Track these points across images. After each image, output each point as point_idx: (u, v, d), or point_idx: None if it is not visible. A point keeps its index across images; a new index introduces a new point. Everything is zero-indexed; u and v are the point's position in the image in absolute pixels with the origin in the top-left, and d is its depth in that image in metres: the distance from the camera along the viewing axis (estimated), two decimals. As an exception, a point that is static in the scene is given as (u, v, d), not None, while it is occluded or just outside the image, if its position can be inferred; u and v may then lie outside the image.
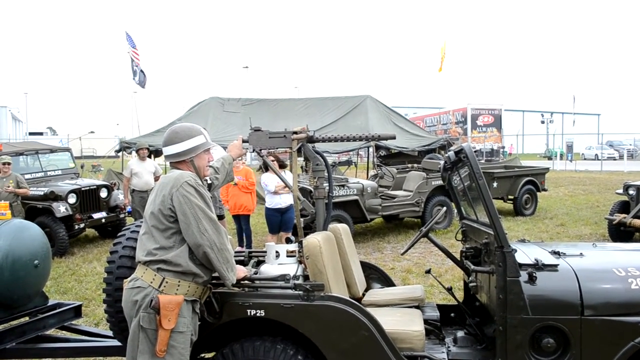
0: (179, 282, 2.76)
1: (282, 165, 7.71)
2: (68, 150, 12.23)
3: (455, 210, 4.67)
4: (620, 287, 2.90)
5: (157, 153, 19.00)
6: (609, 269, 3.03)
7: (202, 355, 3.52)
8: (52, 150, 11.90)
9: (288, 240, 3.58)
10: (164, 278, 2.74)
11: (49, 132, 65.61)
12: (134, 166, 9.70)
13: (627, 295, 2.87)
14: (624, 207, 9.51)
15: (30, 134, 53.35)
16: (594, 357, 2.80)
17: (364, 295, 4.03)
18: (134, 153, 9.95)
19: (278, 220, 8.10)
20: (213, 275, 2.93)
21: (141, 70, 20.85)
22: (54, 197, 9.48)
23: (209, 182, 3.31)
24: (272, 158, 8.41)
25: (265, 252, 3.69)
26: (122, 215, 10.67)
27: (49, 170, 11.08)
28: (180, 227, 2.75)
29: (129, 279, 2.85)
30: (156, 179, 10.01)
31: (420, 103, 61.68)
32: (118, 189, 11.58)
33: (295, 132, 4.01)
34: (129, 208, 10.39)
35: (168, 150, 3.00)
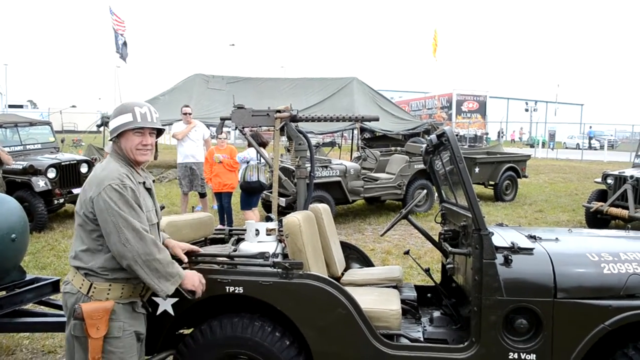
0: (110, 285, 2.59)
1: (263, 144, 7.71)
2: (48, 124, 12.03)
3: (436, 194, 4.71)
4: (593, 271, 2.96)
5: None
6: (582, 253, 3.08)
7: (181, 331, 3.54)
8: (32, 124, 11.68)
9: (267, 219, 3.59)
10: (91, 283, 2.57)
11: (29, 105, 64.53)
12: None
13: (599, 279, 2.93)
14: (601, 196, 9.68)
15: (10, 106, 52.35)
16: (565, 339, 2.86)
17: (343, 274, 4.07)
18: None
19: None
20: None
21: (124, 43, 20.54)
22: (33, 171, 9.34)
23: (149, 178, 2.90)
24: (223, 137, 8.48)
25: (244, 230, 3.69)
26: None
27: (29, 144, 10.88)
28: (103, 234, 2.54)
29: (64, 279, 2.70)
30: None
31: (407, 87, 61.75)
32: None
33: (279, 111, 4.01)
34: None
35: None
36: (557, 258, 3.00)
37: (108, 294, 2.58)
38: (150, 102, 18.05)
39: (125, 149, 2.68)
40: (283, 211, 7.47)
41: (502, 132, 45.57)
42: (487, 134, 39.95)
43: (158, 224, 2.85)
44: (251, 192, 8.26)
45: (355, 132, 17.57)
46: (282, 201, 8.81)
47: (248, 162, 7.97)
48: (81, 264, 2.59)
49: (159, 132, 2.81)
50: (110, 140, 2.70)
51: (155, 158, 9.04)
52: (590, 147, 37.25)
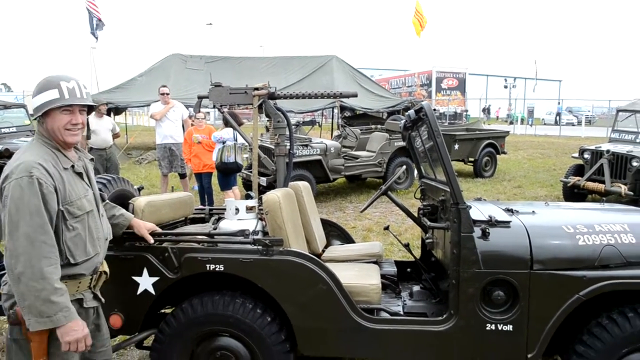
0: None
1: (238, 125, 7.67)
2: (23, 106, 11.81)
3: (416, 171, 4.73)
4: (568, 243, 3.01)
5: (117, 111, 18.61)
6: (558, 225, 3.13)
7: (162, 310, 3.54)
8: (7, 107, 11.47)
9: (247, 197, 3.58)
10: None
11: (3, 89, 63.20)
12: (91, 123, 9.40)
13: (574, 250, 2.98)
14: (579, 171, 9.82)
15: (-17, 89, 51.18)
16: (541, 309, 2.92)
17: (323, 251, 4.09)
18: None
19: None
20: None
21: (99, 20, 20.14)
22: (8, 154, 9.18)
23: (85, 159, 2.59)
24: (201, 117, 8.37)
25: (224, 209, 3.68)
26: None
27: (3, 128, 10.71)
28: None
29: (3, 279, 2.42)
30: (114, 136, 9.78)
31: (386, 65, 61.60)
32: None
33: (257, 89, 3.98)
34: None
35: None
36: (533, 230, 3.05)
37: None
38: (127, 84, 18.00)
39: (52, 129, 2.36)
40: (264, 190, 7.46)
41: (488, 110, 45.84)
42: (466, 111, 40.16)
43: (99, 211, 2.56)
44: (228, 173, 8.22)
45: (336, 110, 17.54)
46: (263, 181, 8.79)
47: (224, 143, 7.89)
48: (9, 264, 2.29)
49: (90, 109, 2.51)
50: (35, 119, 2.43)
51: (89, 137, 8.87)
52: (556, 123, 37.64)
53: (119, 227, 2.92)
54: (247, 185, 10.17)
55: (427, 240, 3.73)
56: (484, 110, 45.28)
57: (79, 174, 2.47)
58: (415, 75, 46.12)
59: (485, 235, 2.99)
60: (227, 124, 7.60)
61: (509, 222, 3.10)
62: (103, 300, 2.61)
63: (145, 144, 19.48)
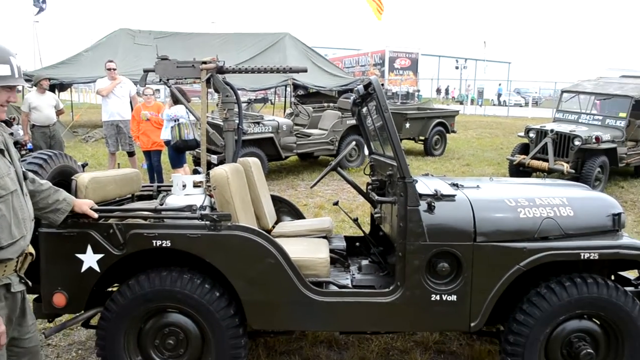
0: None
1: (187, 100, 7.55)
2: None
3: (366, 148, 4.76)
4: (510, 216, 3.11)
5: (61, 87, 17.96)
6: (501, 199, 3.22)
7: (110, 289, 3.47)
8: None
9: (195, 172, 3.53)
10: None
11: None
12: (33, 100, 9.03)
13: (515, 223, 3.08)
14: (524, 149, 10.11)
15: None
16: (484, 280, 3.02)
17: (273, 227, 4.09)
18: (32, 86, 9.21)
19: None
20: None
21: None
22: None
23: (4, 134, 2.34)
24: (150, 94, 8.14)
25: (171, 185, 3.62)
26: (23, 152, 10.03)
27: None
28: None
29: None
30: (58, 113, 9.44)
31: (340, 44, 61.46)
32: (18, 124, 10.83)
33: (205, 62, 3.90)
34: (29, 145, 9.77)
35: None
36: (477, 204, 3.13)
37: None
38: (73, 59, 17.40)
39: None
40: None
41: (447, 90, 46.54)
42: (418, 91, 40.67)
43: (22, 190, 2.38)
44: (184, 150, 8.09)
45: (289, 89, 17.45)
46: (214, 159, 8.68)
47: (177, 120, 7.70)
48: None
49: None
50: None
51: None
52: (500, 104, 38.80)
53: (60, 213, 2.71)
54: (198, 162, 10.02)
55: (376, 215, 3.78)
56: (438, 90, 45.98)
57: (0, 151, 2.28)
58: (368, 54, 46.28)
59: (430, 208, 3.04)
60: (176, 101, 7.44)
61: (454, 195, 3.17)
62: (30, 283, 2.44)
63: (92, 122, 18.89)
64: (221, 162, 8.49)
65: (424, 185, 3.30)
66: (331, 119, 11.03)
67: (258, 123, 9.66)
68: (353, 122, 10.72)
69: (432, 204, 3.05)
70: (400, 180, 3.06)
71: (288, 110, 13.35)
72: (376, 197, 3.46)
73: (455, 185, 3.44)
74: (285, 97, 19.48)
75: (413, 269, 3.01)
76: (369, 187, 3.95)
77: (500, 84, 42.79)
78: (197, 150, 9.37)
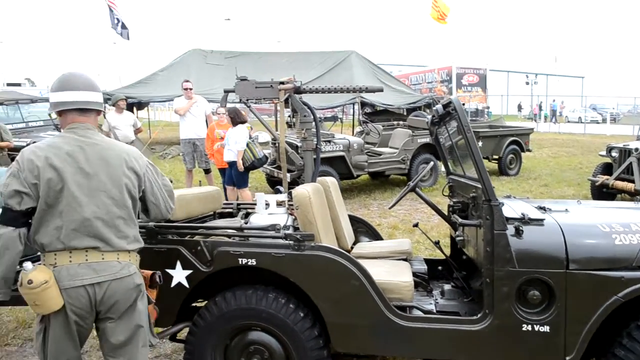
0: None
1: (242, 122, 7.71)
2: (49, 100, 11.95)
3: (441, 169, 4.68)
4: (605, 242, 2.94)
5: (139, 105, 18.77)
6: (593, 224, 3.06)
7: (194, 304, 3.55)
8: (33, 101, 11.62)
9: (277, 191, 3.58)
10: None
11: (27, 83, 63.88)
12: (112, 119, 9.49)
13: (611, 250, 2.91)
14: (606, 169, 9.62)
15: (8, 84, 51.90)
16: (578, 310, 2.85)
17: (352, 248, 4.07)
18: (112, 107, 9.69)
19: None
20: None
21: (122, 23, 20.31)
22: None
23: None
24: (223, 112, 8.29)
25: (253, 204, 3.69)
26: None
27: (30, 121, 10.86)
28: None
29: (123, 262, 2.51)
30: (137, 131, 9.85)
31: (405, 61, 61.19)
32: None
33: (282, 83, 3.97)
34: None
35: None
36: (568, 229, 2.99)
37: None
38: (149, 79, 18.16)
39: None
40: (288, 186, 7.44)
41: (522, 106, 45.46)
42: (488, 107, 39.78)
43: None
44: (255, 169, 8.24)
45: (356, 106, 17.48)
46: (287, 176, 8.77)
47: (251, 139, 7.84)
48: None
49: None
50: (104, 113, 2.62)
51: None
52: (552, 120, 36.96)
53: None
54: (271, 181, 10.17)
55: (458, 238, 3.68)
56: (519, 107, 44.73)
57: None
58: (435, 71, 45.75)
59: (518, 233, 2.93)
60: (234, 122, 7.63)
61: (542, 219, 3.04)
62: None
63: (168, 139, 19.61)
64: (294, 180, 8.58)
65: (510, 208, 3.20)
66: (402, 138, 10.93)
67: (329, 142, 9.69)
68: (424, 140, 10.61)
69: (520, 228, 2.94)
70: (486, 202, 2.97)
71: (358, 129, 13.36)
72: (459, 220, 3.38)
73: (542, 208, 3.31)
74: (353, 115, 19.51)
75: (502, 296, 2.90)
76: (450, 209, 3.86)
77: (554, 100, 40.99)
78: (270, 167, 9.54)
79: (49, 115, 9.52)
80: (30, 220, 2.36)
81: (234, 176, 8.11)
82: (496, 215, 2.94)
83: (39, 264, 2.35)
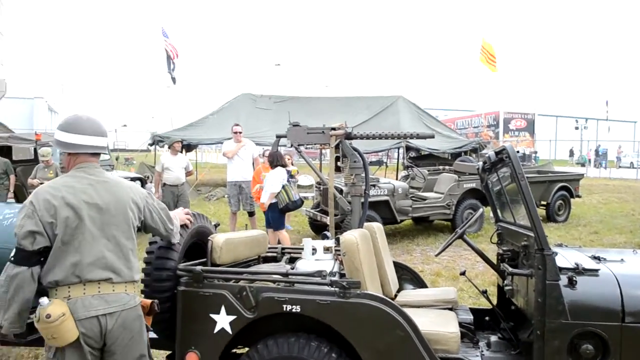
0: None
1: (283, 165, 7.81)
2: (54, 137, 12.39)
3: (488, 214, 4.60)
4: (663, 295, 2.83)
5: (188, 147, 19.28)
6: (651, 276, 2.96)
7: (235, 350, 3.54)
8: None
9: (324, 237, 3.59)
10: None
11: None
12: (166, 160, 9.78)
13: (670, 304, 2.80)
14: (661, 216, 9.28)
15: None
16: (635, 366, 2.74)
17: (396, 295, 4.02)
18: (166, 147, 9.99)
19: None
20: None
21: (172, 65, 21.16)
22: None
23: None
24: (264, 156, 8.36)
25: (297, 248, 3.70)
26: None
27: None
28: None
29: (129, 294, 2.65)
30: (187, 174, 10.08)
31: (452, 105, 61.16)
32: (150, 182, 11.69)
33: (334, 128, 4.03)
34: (159, 202, 10.49)
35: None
36: (624, 280, 2.89)
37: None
38: (200, 122, 18.69)
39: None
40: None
41: (575, 151, 44.62)
42: (535, 152, 39.11)
43: None
44: (291, 211, 8.29)
45: (401, 150, 17.49)
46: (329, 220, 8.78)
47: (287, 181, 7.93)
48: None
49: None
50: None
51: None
52: (596, 165, 35.65)
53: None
54: (314, 225, 10.19)
55: (507, 288, 3.59)
56: (571, 152, 43.88)
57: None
58: (482, 115, 45.55)
59: (572, 283, 2.86)
60: (272, 165, 7.73)
61: (597, 270, 2.96)
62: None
63: (214, 181, 20.00)
64: (337, 224, 8.57)
65: (562, 258, 3.12)
66: (447, 183, 10.83)
67: (374, 186, 9.66)
68: (470, 185, 10.48)
69: (574, 278, 2.86)
70: (539, 252, 2.91)
71: (403, 173, 13.32)
72: (509, 269, 3.30)
73: (596, 258, 3.21)
74: (397, 159, 19.50)
75: (553, 350, 2.81)
76: (500, 257, 3.78)
77: (599, 144, 39.86)
78: (313, 211, 9.58)
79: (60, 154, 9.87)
80: (42, 259, 2.47)
81: (270, 218, 8.14)
82: (549, 265, 2.88)
83: (53, 298, 2.46)
